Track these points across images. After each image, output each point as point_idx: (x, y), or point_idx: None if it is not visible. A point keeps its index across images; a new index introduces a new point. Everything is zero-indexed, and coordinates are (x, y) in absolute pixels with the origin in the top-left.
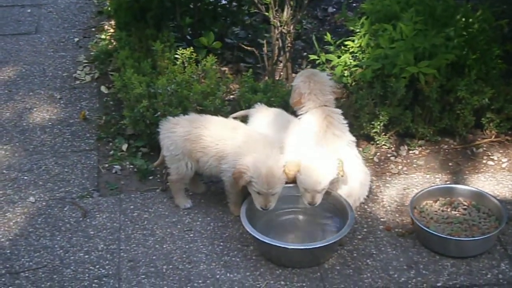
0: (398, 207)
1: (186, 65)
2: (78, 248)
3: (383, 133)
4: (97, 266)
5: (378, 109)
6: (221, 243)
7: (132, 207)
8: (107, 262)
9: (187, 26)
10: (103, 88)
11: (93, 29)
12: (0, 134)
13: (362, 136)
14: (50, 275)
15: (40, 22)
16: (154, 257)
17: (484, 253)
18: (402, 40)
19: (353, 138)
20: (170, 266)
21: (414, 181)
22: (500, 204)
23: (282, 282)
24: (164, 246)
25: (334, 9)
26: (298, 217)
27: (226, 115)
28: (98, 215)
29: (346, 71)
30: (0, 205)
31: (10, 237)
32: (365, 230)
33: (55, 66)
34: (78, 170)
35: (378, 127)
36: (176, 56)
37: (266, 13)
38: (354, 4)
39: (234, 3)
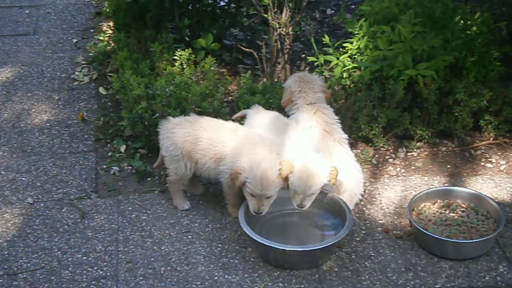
0: (397, 209)
1: (184, 66)
2: (76, 249)
3: (382, 135)
4: (95, 268)
5: (377, 111)
6: (220, 245)
7: (130, 208)
8: (105, 263)
9: (185, 28)
10: (101, 89)
11: (91, 30)
12: None
13: (361, 138)
14: (48, 277)
15: (39, 23)
16: (152, 259)
17: (482, 256)
18: (400, 42)
19: (345, 136)
20: (168, 268)
21: (413, 183)
22: (498, 206)
23: (280, 284)
24: (162, 248)
25: (333, 11)
26: (297, 219)
27: (224, 116)
28: (96, 217)
29: (344, 73)
30: None
31: (8, 238)
32: (363, 232)
33: (53, 67)
34: (76, 172)
35: (377, 129)
36: (175, 57)
37: (265, 15)
38: (353, 6)
39: (233, 5)
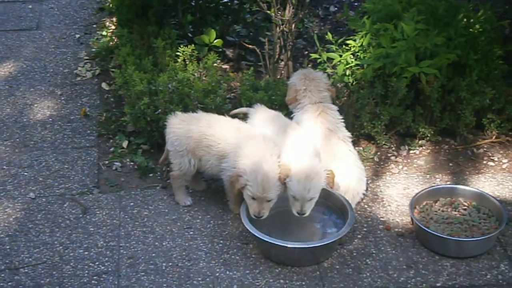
0: (398, 206)
1: (187, 62)
2: (77, 244)
3: (384, 133)
4: (97, 263)
5: (379, 109)
6: (221, 241)
7: (132, 204)
8: (106, 259)
9: (188, 24)
10: (104, 85)
11: (94, 26)
12: (0, 129)
13: (363, 136)
14: (49, 271)
15: (42, 18)
16: (153, 255)
17: (483, 254)
18: (403, 40)
19: (349, 134)
20: (170, 264)
21: (415, 181)
22: (500, 204)
23: (282, 281)
24: (164, 244)
25: (336, 8)
26: (301, 216)
27: (227, 113)
28: (98, 212)
29: (347, 70)
30: (0, 201)
31: (10, 233)
32: (365, 229)
33: (56, 62)
34: (78, 167)
35: (379, 126)
36: (178, 53)
37: (268, 12)
38: (356, 3)
39: (236, 1)
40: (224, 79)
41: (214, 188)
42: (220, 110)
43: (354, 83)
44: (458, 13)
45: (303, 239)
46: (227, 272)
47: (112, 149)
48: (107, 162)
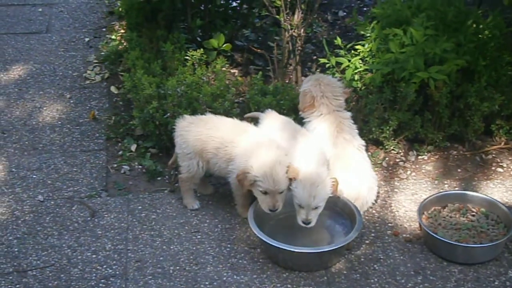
0: (406, 212)
1: (196, 66)
2: (85, 247)
3: (392, 138)
4: (104, 266)
5: (388, 114)
6: (228, 245)
7: (140, 207)
8: (114, 262)
9: (197, 28)
10: (113, 88)
11: (103, 29)
12: (9, 132)
13: (371, 141)
14: (57, 274)
15: (51, 21)
16: (161, 258)
17: (492, 260)
18: (412, 45)
19: (363, 142)
20: (177, 267)
21: (423, 186)
22: (509, 211)
23: (289, 286)
24: (171, 247)
25: (345, 13)
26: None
27: (235, 117)
28: (106, 215)
29: (356, 75)
30: (8, 204)
31: (18, 236)
32: (372, 235)
33: (65, 65)
34: (87, 170)
35: (387, 132)
36: (186, 57)
37: (277, 16)
38: (365, 9)
39: (245, 6)
40: (233, 83)
41: (222, 192)
42: (228, 114)
43: (362, 88)
44: (467, 19)
45: (310, 244)
46: (235, 277)
47: (120, 152)
48: (115, 165)
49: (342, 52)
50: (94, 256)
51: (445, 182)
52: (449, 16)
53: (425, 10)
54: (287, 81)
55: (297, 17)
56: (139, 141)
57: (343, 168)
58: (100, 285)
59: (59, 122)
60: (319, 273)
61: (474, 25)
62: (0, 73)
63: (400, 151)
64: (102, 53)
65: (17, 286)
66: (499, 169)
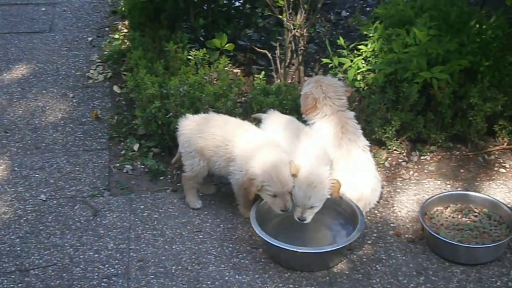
0: (409, 212)
1: (198, 66)
2: (88, 247)
3: (395, 138)
4: (107, 265)
5: (390, 114)
6: (231, 245)
7: (142, 207)
8: (116, 261)
9: (200, 28)
10: (115, 88)
11: (106, 29)
12: (12, 132)
13: (374, 141)
14: (59, 273)
15: (54, 20)
16: (163, 258)
17: (494, 261)
18: (415, 45)
19: (367, 143)
20: (179, 267)
21: (425, 187)
22: (511, 212)
23: (291, 286)
24: (174, 247)
25: (348, 13)
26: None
27: (238, 117)
28: (108, 215)
29: (358, 75)
30: (11, 203)
31: (21, 235)
32: (375, 235)
33: (68, 65)
34: (89, 169)
35: (390, 132)
36: (189, 57)
37: (280, 16)
38: (368, 9)
39: (248, 5)
40: (235, 83)
41: (224, 192)
42: (231, 114)
43: (365, 88)
44: (470, 19)
45: (313, 244)
46: (237, 276)
47: (123, 152)
48: (118, 164)
49: (345, 52)
50: (96, 255)
51: (448, 183)
52: (452, 17)
53: (428, 10)
54: (289, 81)
55: (300, 17)
56: (142, 141)
57: (347, 168)
58: (102, 284)
59: (62, 122)
60: (321, 273)
61: (477, 26)
62: (3, 72)
63: (403, 151)
64: (105, 52)
65: (20, 285)
66: (502, 170)
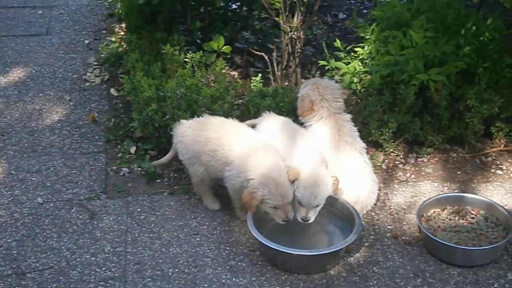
0: (406, 214)
1: (195, 69)
2: (84, 250)
3: (392, 140)
4: (103, 268)
5: (387, 116)
6: (228, 248)
7: (139, 209)
8: (113, 264)
9: (197, 30)
10: (112, 91)
11: (103, 32)
12: (9, 134)
13: (371, 143)
14: (56, 277)
15: (51, 23)
16: (160, 260)
17: (491, 263)
18: (412, 48)
19: (364, 145)
20: (176, 270)
21: (422, 189)
22: (508, 213)
23: None
24: (171, 250)
25: (345, 15)
26: (305, 223)
27: (235, 119)
28: (105, 217)
29: (355, 78)
30: (7, 206)
31: (17, 238)
32: (372, 237)
33: (65, 67)
34: (86, 172)
35: (387, 134)
36: (186, 59)
37: (277, 18)
38: (365, 11)
39: (245, 8)
40: (232, 85)
41: (221, 194)
42: (227, 117)
43: (362, 91)
44: (467, 21)
45: (310, 247)
46: (233, 279)
47: (120, 154)
48: (114, 167)
49: (341, 54)
50: (93, 258)
51: (445, 185)
52: (448, 19)
53: (424, 13)
54: (286, 84)
55: (297, 19)
56: (139, 143)
57: (344, 171)
58: (99, 287)
59: (59, 124)
60: (318, 275)
61: (474, 28)
62: (0, 75)
63: (400, 153)
64: (102, 55)
65: None
66: (499, 172)
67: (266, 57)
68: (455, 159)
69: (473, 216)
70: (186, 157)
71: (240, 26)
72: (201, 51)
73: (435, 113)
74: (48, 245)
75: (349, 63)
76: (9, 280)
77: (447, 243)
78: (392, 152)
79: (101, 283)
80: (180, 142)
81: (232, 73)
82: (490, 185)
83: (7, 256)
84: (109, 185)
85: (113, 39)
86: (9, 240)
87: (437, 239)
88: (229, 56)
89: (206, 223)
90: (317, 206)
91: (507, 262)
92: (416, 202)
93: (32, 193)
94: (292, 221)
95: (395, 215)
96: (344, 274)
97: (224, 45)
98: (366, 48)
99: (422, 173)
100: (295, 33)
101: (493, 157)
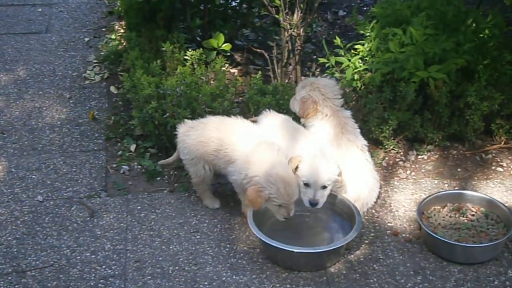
0: (406, 212)
1: (195, 66)
2: (85, 248)
3: (392, 138)
4: (104, 266)
5: (387, 114)
6: (228, 245)
7: (139, 207)
8: (113, 262)
9: (197, 28)
10: (112, 88)
11: (103, 29)
12: (9, 132)
13: (371, 141)
14: (56, 275)
15: (51, 21)
16: (160, 258)
17: (491, 260)
18: (412, 45)
19: (365, 142)
20: (176, 268)
21: (422, 186)
22: (508, 211)
23: (288, 286)
24: (171, 247)
25: (345, 13)
26: (305, 220)
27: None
28: (105, 215)
29: (355, 75)
30: (8, 204)
31: (17, 236)
32: (372, 234)
33: (65, 65)
34: (86, 170)
35: (387, 131)
36: (186, 57)
37: (276, 16)
38: (365, 8)
39: (245, 5)
40: (232, 83)
41: (221, 192)
42: (227, 114)
43: (362, 88)
44: (467, 18)
45: (310, 244)
46: (234, 277)
47: (120, 152)
48: (114, 165)
49: (341, 51)
50: (93, 256)
51: (445, 182)
52: (448, 16)
53: (424, 10)
54: (286, 81)
55: (297, 16)
56: (139, 141)
57: (345, 168)
58: (99, 285)
59: (59, 122)
60: (319, 273)
61: (474, 24)
62: None
63: (400, 150)
64: (102, 53)
65: (16, 286)
66: (499, 169)
67: (266, 55)
68: (456, 156)
69: (473, 213)
70: (188, 158)
71: (240, 23)
72: (201, 49)
73: (435, 111)
74: (48, 243)
75: (349, 60)
76: (9, 278)
77: (447, 241)
78: (392, 149)
79: (101, 281)
80: (182, 142)
81: (232, 70)
82: (491, 182)
83: (7, 254)
84: (109, 183)
85: (113, 36)
86: (9, 238)
87: (438, 237)
88: (229, 54)
89: (206, 221)
90: (324, 187)
91: (508, 259)
92: (416, 199)
93: (32, 191)
94: (292, 218)
95: (395, 212)
96: (344, 272)
97: (224, 42)
98: (366, 45)
99: (422, 170)
100: (295, 30)
101: (494, 154)
